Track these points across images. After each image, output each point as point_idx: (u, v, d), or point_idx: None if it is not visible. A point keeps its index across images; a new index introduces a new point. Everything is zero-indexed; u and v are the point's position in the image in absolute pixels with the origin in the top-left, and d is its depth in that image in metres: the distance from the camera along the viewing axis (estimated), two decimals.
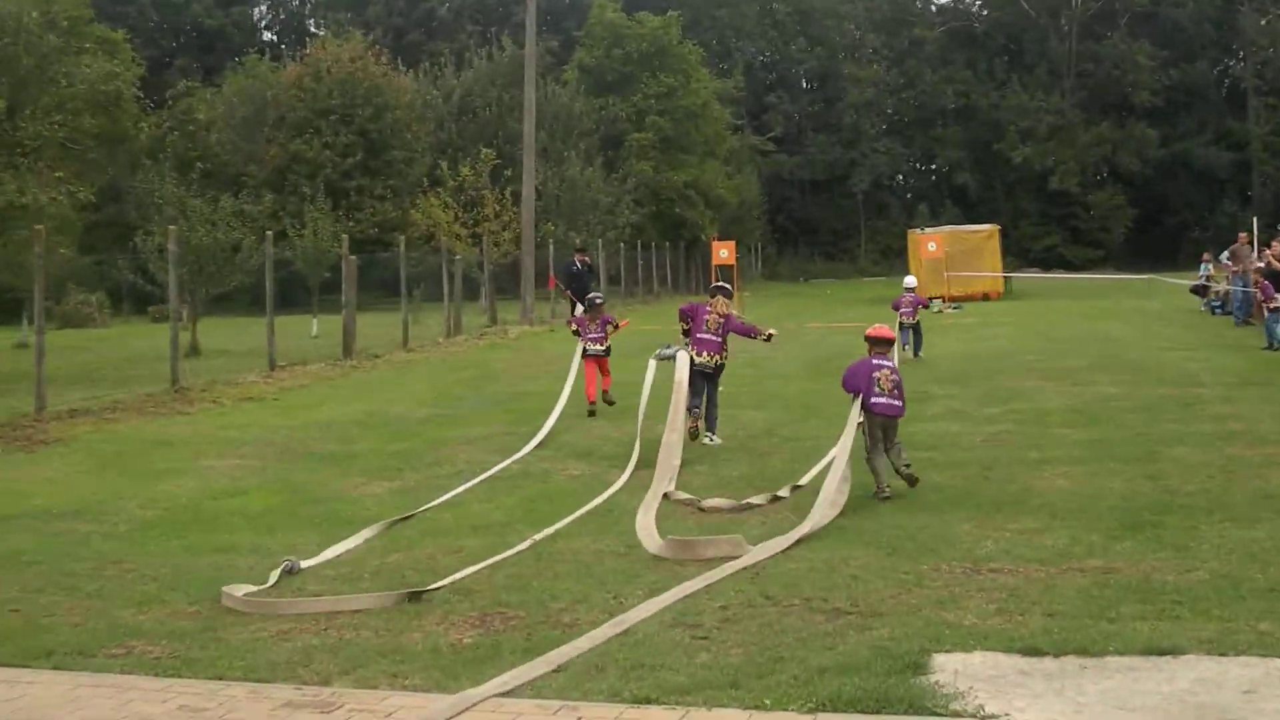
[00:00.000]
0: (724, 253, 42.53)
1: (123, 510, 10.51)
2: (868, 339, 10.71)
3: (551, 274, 32.82)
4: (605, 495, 10.48)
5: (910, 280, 24.81)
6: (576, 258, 34.92)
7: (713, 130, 69.09)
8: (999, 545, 8.36)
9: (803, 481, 10.54)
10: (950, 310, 37.17)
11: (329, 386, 20.51)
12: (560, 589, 7.63)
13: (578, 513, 9.78)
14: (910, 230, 53.19)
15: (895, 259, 79.20)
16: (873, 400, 10.23)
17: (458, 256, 33.75)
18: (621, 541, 8.82)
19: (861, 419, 10.23)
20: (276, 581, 7.96)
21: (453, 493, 10.78)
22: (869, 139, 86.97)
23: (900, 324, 22.20)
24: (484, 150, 43.93)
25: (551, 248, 39.42)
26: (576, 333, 16.42)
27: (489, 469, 11.90)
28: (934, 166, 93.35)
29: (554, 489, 10.98)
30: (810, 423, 14.38)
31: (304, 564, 8.36)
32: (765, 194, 79.95)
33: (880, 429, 10.27)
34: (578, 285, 32.09)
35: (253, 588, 7.79)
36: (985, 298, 44.41)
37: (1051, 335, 26.60)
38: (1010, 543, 8.42)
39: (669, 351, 13.30)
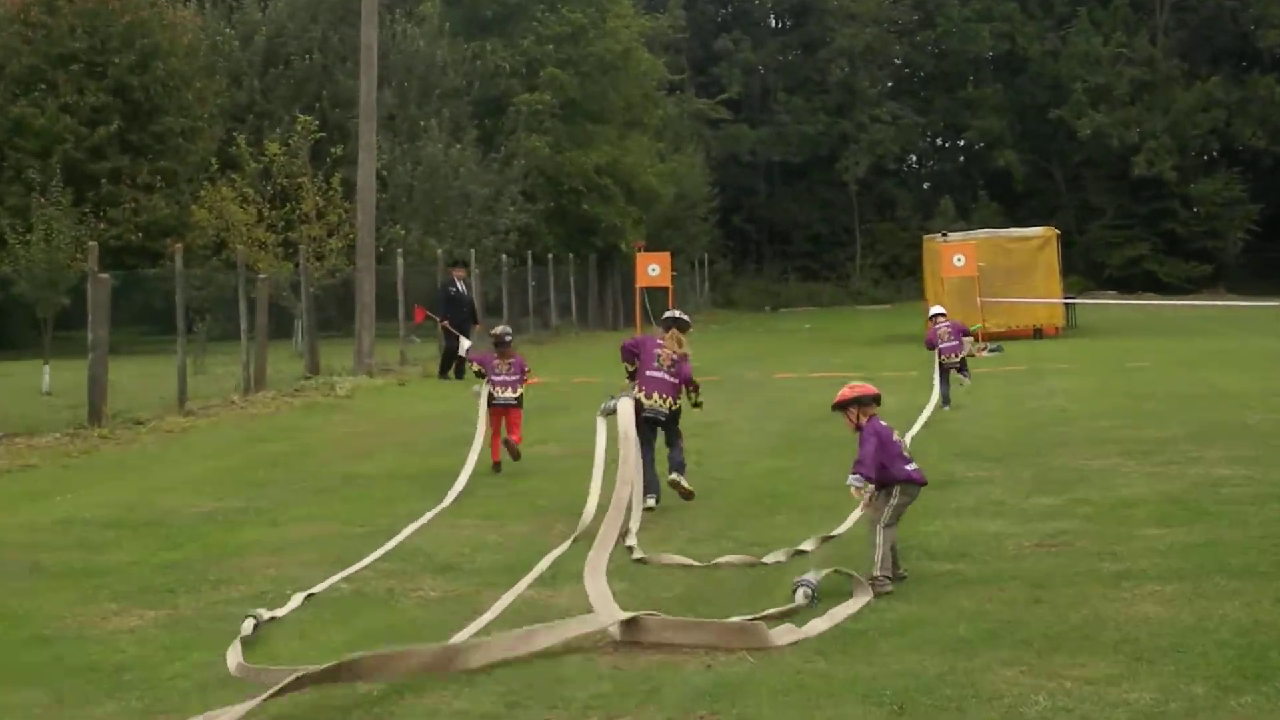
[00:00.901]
0: (655, 269, 42.72)
1: None
2: (858, 400, 11.53)
3: (418, 306, 32.68)
4: (475, 626, 10.40)
5: (939, 307, 25.18)
6: (455, 276, 35.04)
7: (639, 91, 69.37)
8: (1057, 700, 8.36)
9: (838, 531, 11.42)
10: (987, 353, 37.45)
11: (67, 468, 20.34)
12: None
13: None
14: (928, 237, 53.65)
15: (905, 278, 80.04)
16: (911, 469, 11.29)
17: (262, 275, 33.59)
18: (501, 699, 8.74)
19: (894, 497, 11.25)
20: (251, 633, 9.65)
21: (249, 624, 10.64)
22: (868, 103, 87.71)
23: (940, 364, 22.62)
24: (301, 118, 43.76)
25: (401, 262, 39.25)
26: (480, 373, 17.92)
27: (305, 589, 11.79)
28: (962, 143, 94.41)
29: (401, 620, 10.90)
30: (778, 518, 14.45)
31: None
32: (716, 183, 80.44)
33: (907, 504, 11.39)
34: (458, 314, 32.29)
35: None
36: (1038, 334, 44.91)
37: (1134, 390, 26.86)
38: (1074, 696, 8.43)
39: (613, 404, 14.74)
